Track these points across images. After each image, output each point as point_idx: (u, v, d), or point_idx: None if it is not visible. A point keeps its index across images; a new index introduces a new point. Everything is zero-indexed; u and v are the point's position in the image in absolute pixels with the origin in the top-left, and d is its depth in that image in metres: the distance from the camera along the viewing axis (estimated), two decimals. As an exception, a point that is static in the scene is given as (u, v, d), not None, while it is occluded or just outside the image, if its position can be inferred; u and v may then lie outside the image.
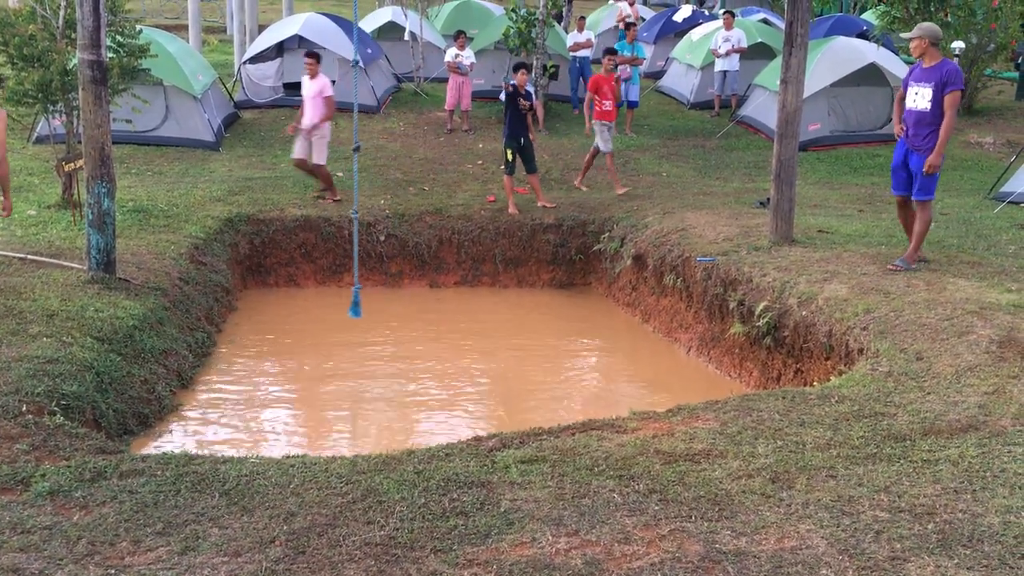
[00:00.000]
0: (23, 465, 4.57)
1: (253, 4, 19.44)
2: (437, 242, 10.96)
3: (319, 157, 11.17)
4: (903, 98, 7.64)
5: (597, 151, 12.10)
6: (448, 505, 4.11)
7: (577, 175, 12.53)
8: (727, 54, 16.37)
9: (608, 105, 11.86)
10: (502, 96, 15.78)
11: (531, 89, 11.62)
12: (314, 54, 11.35)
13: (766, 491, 4.20)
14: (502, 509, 4.06)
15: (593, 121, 11.93)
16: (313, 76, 11.08)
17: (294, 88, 16.12)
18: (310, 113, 11.08)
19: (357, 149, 7.56)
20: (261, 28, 18.86)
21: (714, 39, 16.72)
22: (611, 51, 12.49)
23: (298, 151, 11.25)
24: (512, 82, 11.34)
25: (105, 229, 7.61)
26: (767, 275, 8.01)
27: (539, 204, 11.37)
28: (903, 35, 7.93)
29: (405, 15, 18.03)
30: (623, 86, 15.17)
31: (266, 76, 16.06)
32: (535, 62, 15.24)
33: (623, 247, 10.38)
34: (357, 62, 7.35)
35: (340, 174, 12.27)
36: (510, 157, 11.25)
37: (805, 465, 4.47)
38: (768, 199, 9.34)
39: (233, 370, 8.12)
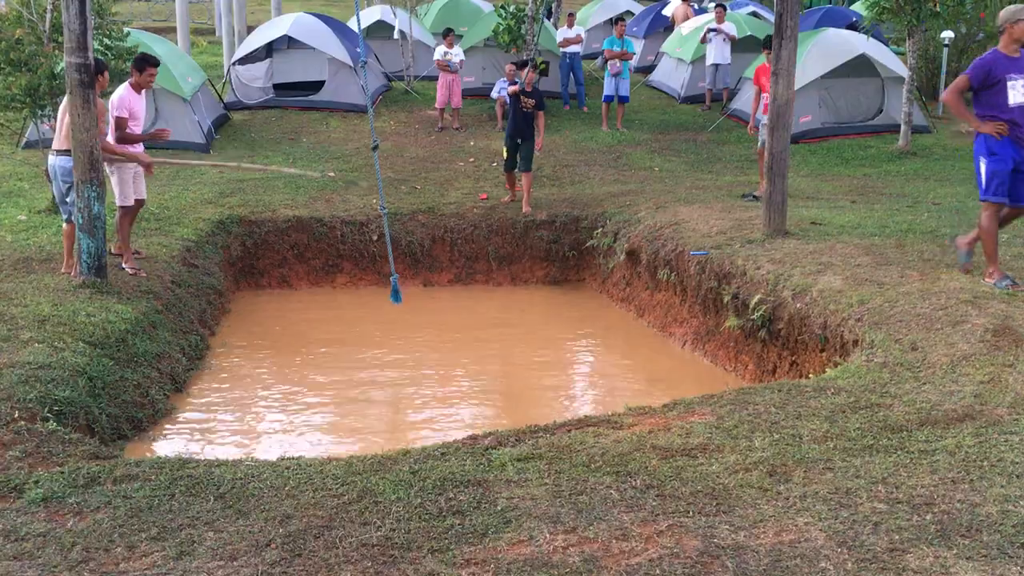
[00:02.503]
0: (16, 472, 4.55)
1: (241, 5, 19.37)
2: (430, 240, 10.94)
3: (142, 190, 8.47)
4: (1005, 92, 6.54)
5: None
6: (444, 504, 4.09)
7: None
8: (723, 37, 16.29)
9: None
10: (493, 94, 15.78)
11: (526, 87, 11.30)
12: (153, 60, 8.22)
13: (764, 484, 4.19)
14: (499, 508, 4.04)
15: (759, 115, 10.90)
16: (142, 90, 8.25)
17: (284, 89, 16.13)
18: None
19: (376, 147, 7.77)
20: (250, 29, 18.81)
21: (705, 29, 16.71)
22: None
23: (138, 190, 8.33)
24: (506, 83, 11.30)
25: (96, 233, 7.57)
26: (761, 268, 8.00)
27: (523, 209, 11.18)
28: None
29: (394, 13, 17.99)
30: (614, 81, 15.13)
31: (255, 77, 16.04)
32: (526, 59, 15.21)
33: (616, 242, 10.36)
34: (365, 63, 7.50)
35: (332, 174, 12.23)
36: (505, 154, 11.24)
37: (802, 458, 4.46)
38: (754, 192, 9.33)
39: (227, 373, 8.08)
